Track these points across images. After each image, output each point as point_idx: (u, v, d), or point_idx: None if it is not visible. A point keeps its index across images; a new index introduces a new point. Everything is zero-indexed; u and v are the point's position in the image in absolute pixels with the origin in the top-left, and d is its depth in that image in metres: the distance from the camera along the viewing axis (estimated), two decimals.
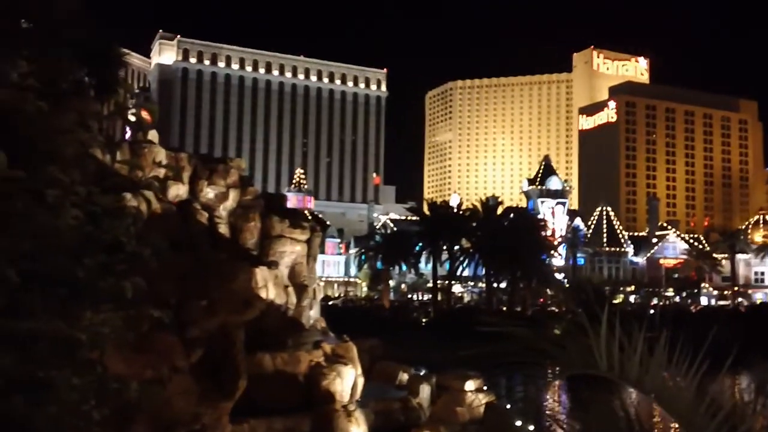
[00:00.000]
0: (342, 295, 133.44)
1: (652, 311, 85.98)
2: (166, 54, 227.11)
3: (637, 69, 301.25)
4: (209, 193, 27.89)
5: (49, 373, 3.07)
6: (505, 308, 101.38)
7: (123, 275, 3.52)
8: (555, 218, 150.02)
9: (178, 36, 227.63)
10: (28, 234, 3.10)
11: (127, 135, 30.84)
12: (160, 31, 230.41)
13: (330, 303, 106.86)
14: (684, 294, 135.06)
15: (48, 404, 3.00)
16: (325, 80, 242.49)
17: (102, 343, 3.31)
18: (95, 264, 3.34)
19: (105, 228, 3.40)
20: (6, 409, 2.88)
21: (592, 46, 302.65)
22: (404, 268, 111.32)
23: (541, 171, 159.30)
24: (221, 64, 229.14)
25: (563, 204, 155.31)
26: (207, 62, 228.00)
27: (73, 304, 3.31)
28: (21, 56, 11.97)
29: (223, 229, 27.21)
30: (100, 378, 3.26)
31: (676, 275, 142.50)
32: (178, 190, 25.37)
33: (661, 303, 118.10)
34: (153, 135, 25.09)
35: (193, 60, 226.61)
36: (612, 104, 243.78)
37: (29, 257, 3.11)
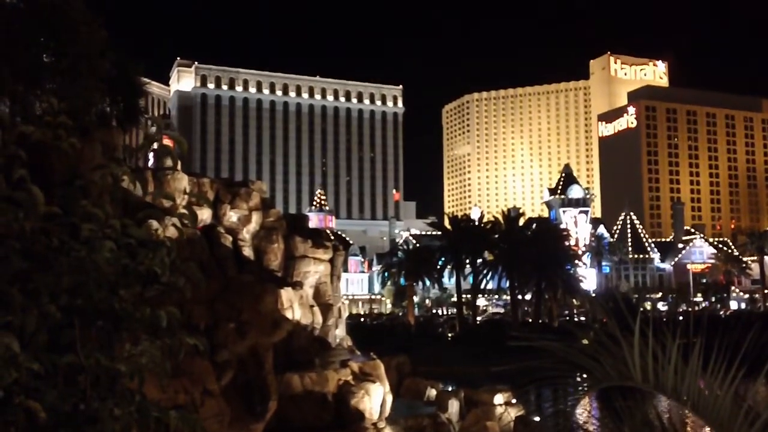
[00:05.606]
0: (366, 312, 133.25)
1: (682, 317, 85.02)
2: (184, 81, 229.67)
3: (655, 73, 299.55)
4: (232, 216, 28.10)
5: (92, 405, 3.13)
6: (530, 320, 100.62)
7: (158, 305, 3.58)
8: (578, 227, 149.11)
9: (196, 62, 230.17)
10: (67, 269, 3.17)
11: (150, 163, 31.24)
12: (178, 58, 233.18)
13: (362, 320, 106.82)
14: (713, 299, 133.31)
15: None
16: (342, 99, 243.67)
17: (141, 372, 3.37)
18: (131, 295, 3.41)
19: (140, 259, 3.47)
20: None
21: (609, 52, 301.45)
22: (428, 283, 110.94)
23: (561, 180, 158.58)
24: (239, 88, 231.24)
25: (586, 212, 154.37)
26: (225, 87, 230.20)
27: (111, 336, 3.38)
28: (48, 91, 12.24)
29: (248, 251, 27.38)
30: (140, 407, 3.32)
31: (705, 280, 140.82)
32: (202, 215, 25.61)
33: (690, 309, 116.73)
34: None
35: (211, 85, 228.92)
36: (631, 110, 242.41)
37: (69, 292, 3.18)
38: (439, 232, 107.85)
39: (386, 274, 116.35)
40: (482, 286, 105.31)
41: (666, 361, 5.04)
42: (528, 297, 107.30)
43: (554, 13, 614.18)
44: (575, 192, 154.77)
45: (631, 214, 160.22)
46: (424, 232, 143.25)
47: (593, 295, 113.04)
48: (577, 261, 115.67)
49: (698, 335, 5.28)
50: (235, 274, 22.97)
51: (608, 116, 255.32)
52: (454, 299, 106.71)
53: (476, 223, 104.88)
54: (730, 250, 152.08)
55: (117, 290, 3.45)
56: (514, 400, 30.51)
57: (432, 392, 32.42)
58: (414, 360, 37.82)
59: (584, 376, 5.35)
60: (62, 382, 3.19)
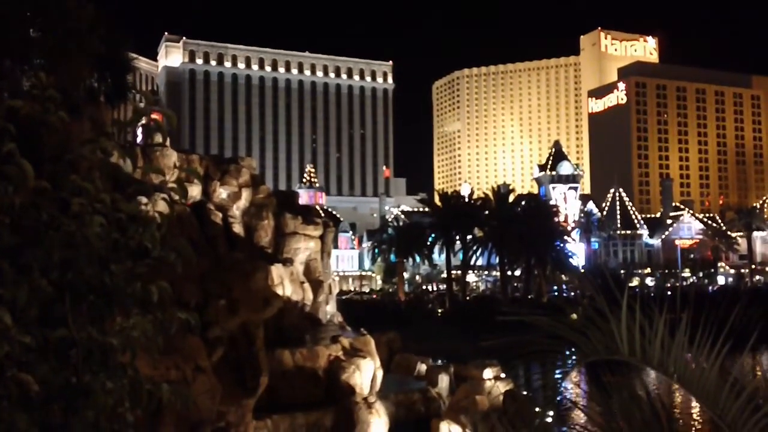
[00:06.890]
0: (357, 289, 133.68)
1: (670, 293, 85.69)
2: (172, 56, 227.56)
3: (645, 49, 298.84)
4: (222, 193, 28.03)
5: (84, 378, 3.15)
6: (519, 296, 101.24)
7: (149, 280, 3.59)
8: (567, 203, 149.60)
9: (184, 38, 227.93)
10: (58, 244, 3.17)
11: (139, 139, 31.06)
12: (166, 33, 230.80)
13: (351, 296, 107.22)
14: (701, 274, 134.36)
15: (85, 410, 3.08)
16: (332, 75, 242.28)
17: (133, 347, 3.39)
18: (122, 270, 3.41)
19: (131, 234, 3.47)
20: (46, 419, 2.97)
21: (600, 28, 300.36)
22: (418, 259, 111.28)
23: (551, 156, 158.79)
24: (227, 64, 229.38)
25: (575, 189, 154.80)
26: (213, 62, 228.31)
27: (103, 310, 3.39)
28: (37, 66, 12.14)
29: (238, 228, 27.35)
30: (132, 381, 3.34)
31: (692, 256, 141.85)
32: (192, 192, 25.52)
33: (678, 284, 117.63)
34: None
35: (199, 61, 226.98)
36: (621, 86, 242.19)
37: (60, 267, 3.19)
38: (429, 209, 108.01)
39: (376, 250, 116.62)
40: (472, 263, 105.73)
41: (653, 335, 5.09)
42: (517, 273, 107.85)
43: None
44: (565, 168, 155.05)
45: (620, 190, 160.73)
46: (414, 209, 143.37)
47: (582, 270, 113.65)
48: (566, 237, 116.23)
49: (685, 310, 5.34)
50: (226, 252, 22.97)
51: (598, 92, 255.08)
52: (444, 276, 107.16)
53: (466, 200, 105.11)
54: (718, 226, 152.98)
55: (108, 265, 3.45)
56: (503, 375, 30.74)
57: (422, 367, 32.64)
58: (404, 336, 37.98)
59: (573, 350, 5.41)
60: (54, 355, 3.21)
